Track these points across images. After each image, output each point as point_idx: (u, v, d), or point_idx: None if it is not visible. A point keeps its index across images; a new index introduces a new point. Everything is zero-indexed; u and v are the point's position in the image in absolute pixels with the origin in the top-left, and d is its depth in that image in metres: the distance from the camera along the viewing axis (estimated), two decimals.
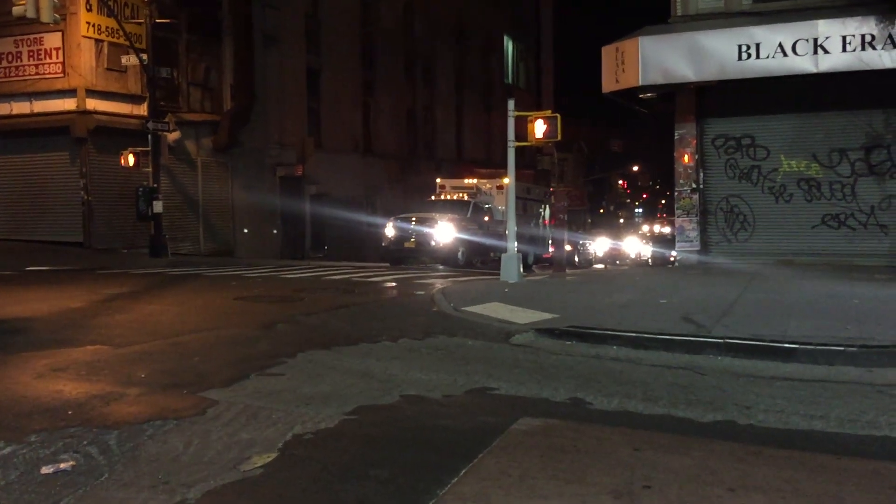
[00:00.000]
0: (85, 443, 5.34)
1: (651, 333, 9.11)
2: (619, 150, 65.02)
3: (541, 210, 31.66)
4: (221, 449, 5.27)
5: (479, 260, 25.19)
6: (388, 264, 23.46)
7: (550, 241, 30.63)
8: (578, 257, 31.47)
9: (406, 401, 6.61)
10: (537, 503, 4.42)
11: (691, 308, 10.89)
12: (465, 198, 26.75)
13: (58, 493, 4.51)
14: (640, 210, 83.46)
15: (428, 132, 43.34)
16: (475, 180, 28.51)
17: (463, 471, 4.88)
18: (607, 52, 18.32)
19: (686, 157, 18.58)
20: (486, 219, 25.94)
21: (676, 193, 18.74)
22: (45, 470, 4.84)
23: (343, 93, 35.36)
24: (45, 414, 6.03)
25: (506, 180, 26.78)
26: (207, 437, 5.53)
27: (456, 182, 28.78)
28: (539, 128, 15.44)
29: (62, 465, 4.91)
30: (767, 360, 8.26)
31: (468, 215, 25.01)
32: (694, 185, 18.45)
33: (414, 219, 24.40)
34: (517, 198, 24.33)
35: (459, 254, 23.50)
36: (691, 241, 18.42)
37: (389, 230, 24.10)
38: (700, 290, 13.40)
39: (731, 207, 18.51)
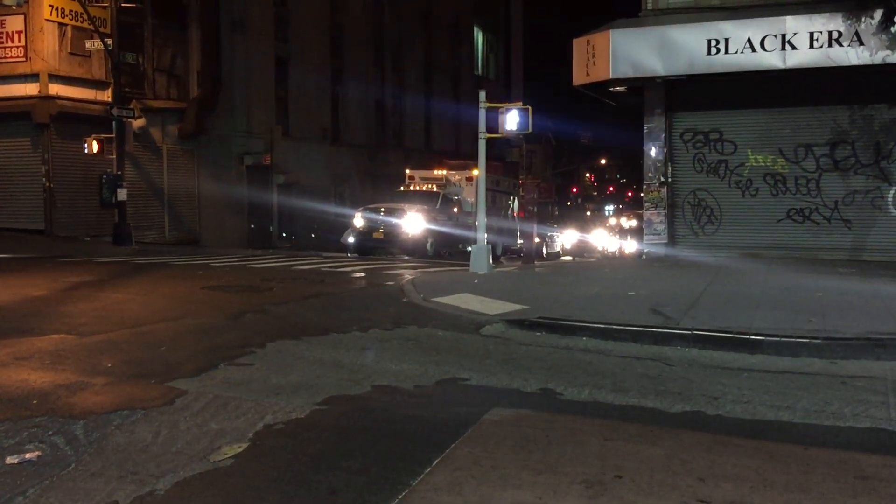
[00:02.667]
0: (51, 433, 5.25)
1: (620, 325, 9.17)
2: (588, 142, 65.38)
3: (510, 202, 31.62)
4: (191, 439, 5.22)
5: (447, 251, 25.26)
6: (356, 255, 23.38)
7: (519, 233, 30.82)
8: (546, 249, 31.57)
9: (377, 391, 6.59)
10: (510, 493, 4.43)
11: (659, 300, 10.98)
12: (435, 189, 26.65)
13: (24, 484, 4.43)
14: (611, 207, 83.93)
15: (396, 122, 43.19)
16: (444, 172, 28.45)
17: (435, 461, 4.88)
18: (578, 45, 18.37)
19: (654, 151, 18.71)
20: (455, 210, 25.89)
21: (645, 187, 18.88)
22: (11, 460, 4.76)
23: (311, 82, 35.07)
24: (8, 403, 5.91)
25: (475, 172, 26.62)
26: (176, 427, 5.46)
27: (425, 173, 28.71)
28: (510, 119, 15.44)
29: (28, 455, 4.83)
30: (734, 352, 8.36)
31: (437, 206, 24.94)
32: (662, 179, 18.60)
33: (383, 209, 24.26)
34: (487, 189, 24.43)
35: (428, 245, 23.43)
36: (659, 234, 18.57)
37: (358, 220, 23.92)
38: (668, 282, 13.53)
39: (698, 201, 18.69)
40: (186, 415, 5.74)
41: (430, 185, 27.11)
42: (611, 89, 18.88)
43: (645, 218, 19.05)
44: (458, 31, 49.52)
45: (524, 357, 8.09)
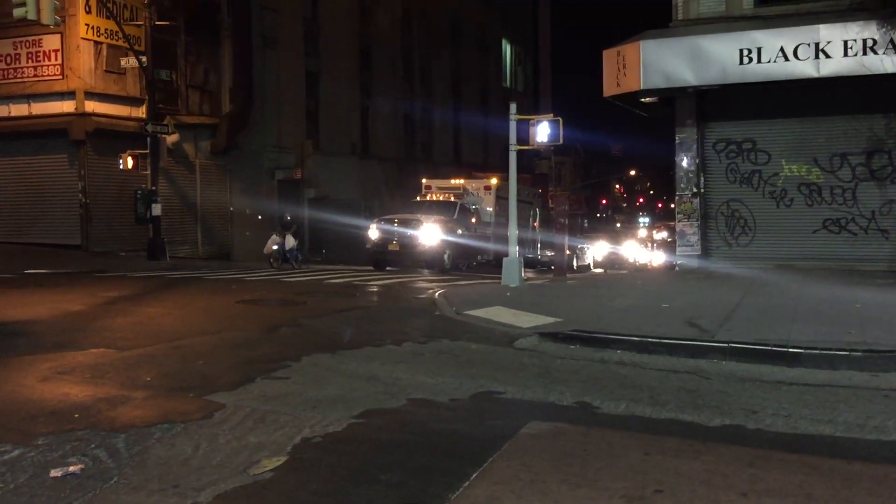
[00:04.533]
0: (93, 446, 5.32)
1: (655, 337, 9.10)
2: (619, 154, 65.04)
3: (530, 213, 30.60)
4: (230, 452, 5.25)
5: (465, 263, 24.63)
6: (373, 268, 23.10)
7: (539, 244, 30.16)
8: (577, 262, 31.34)
9: (413, 405, 6.60)
10: None
11: (694, 312, 10.88)
12: (452, 199, 25.82)
13: (67, 497, 4.48)
14: (647, 219, 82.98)
15: (425, 135, 43.36)
16: (462, 181, 27.68)
17: (473, 475, 4.87)
18: (608, 56, 18.33)
19: (686, 162, 18.58)
20: (473, 220, 25.12)
21: (677, 198, 18.73)
22: (55, 473, 4.82)
23: (341, 96, 35.36)
24: (51, 417, 6.00)
25: (493, 181, 26.48)
26: (216, 440, 5.51)
27: (442, 182, 27.90)
28: (541, 131, 15.45)
29: (71, 468, 4.89)
30: (772, 365, 8.26)
31: (454, 217, 24.12)
32: (695, 190, 18.45)
33: (397, 220, 23.49)
34: (504, 199, 23.88)
35: (445, 257, 22.65)
36: (692, 245, 18.40)
37: (373, 232, 23.17)
38: (702, 294, 13.40)
39: (731, 212, 18.51)
40: (225, 428, 5.79)
41: (447, 195, 26.33)
42: (641, 100, 18.80)
43: (677, 229, 18.89)
44: (486, 44, 49.67)
45: (559, 370, 8.05)
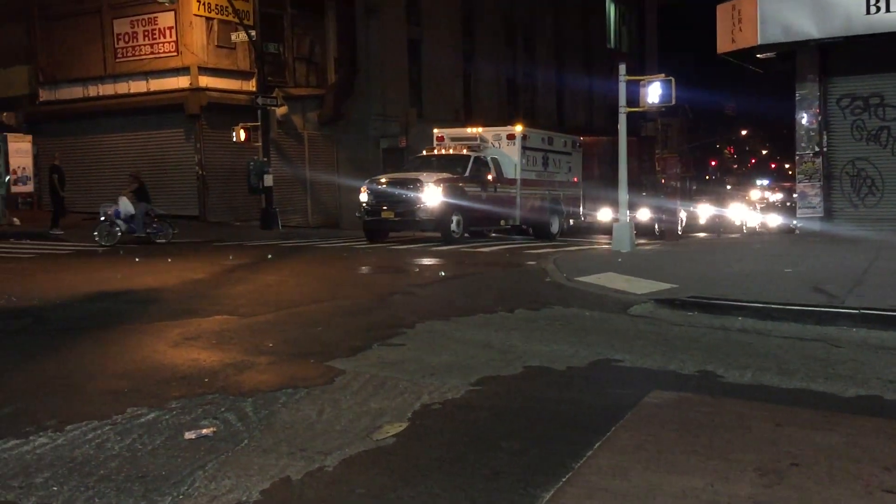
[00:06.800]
0: (223, 409, 5.51)
1: (779, 304, 8.72)
2: (732, 113, 62.30)
3: (569, 166, 25.53)
4: (353, 418, 5.34)
5: (484, 229, 21.84)
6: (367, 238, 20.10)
7: (581, 205, 25.97)
8: (681, 225, 29.96)
9: (529, 372, 6.55)
10: (678, 479, 4.28)
11: (820, 277, 10.38)
12: (465, 152, 21.33)
13: (202, 458, 4.64)
14: (765, 180, 79.08)
15: (528, 100, 42.84)
16: (480, 129, 23.14)
17: (597, 444, 4.78)
18: (723, 11, 17.55)
19: (807, 119, 17.67)
20: (490, 178, 20.97)
21: (797, 158, 17.86)
22: (189, 435, 5.00)
23: (443, 63, 35.27)
24: (182, 381, 6.25)
25: (518, 128, 22.60)
26: (338, 405, 5.61)
27: (457, 132, 23.54)
28: (652, 92, 14.98)
29: (204, 431, 5.06)
30: None
31: (466, 174, 20.25)
32: (816, 149, 17.54)
33: (391, 181, 19.98)
34: (534, 150, 21.86)
35: (454, 224, 19.28)
36: (813, 207, 17.54)
37: (363, 196, 19.69)
38: (826, 258, 12.78)
39: (857, 171, 17.52)
40: (347, 394, 5.89)
41: (458, 148, 21.86)
42: (758, 56, 17.95)
43: (798, 190, 18.05)
44: (589, 5, 48.49)
45: (678, 338, 7.83)
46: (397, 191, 19.18)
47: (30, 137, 26.26)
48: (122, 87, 28.52)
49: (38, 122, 29.35)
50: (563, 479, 4.28)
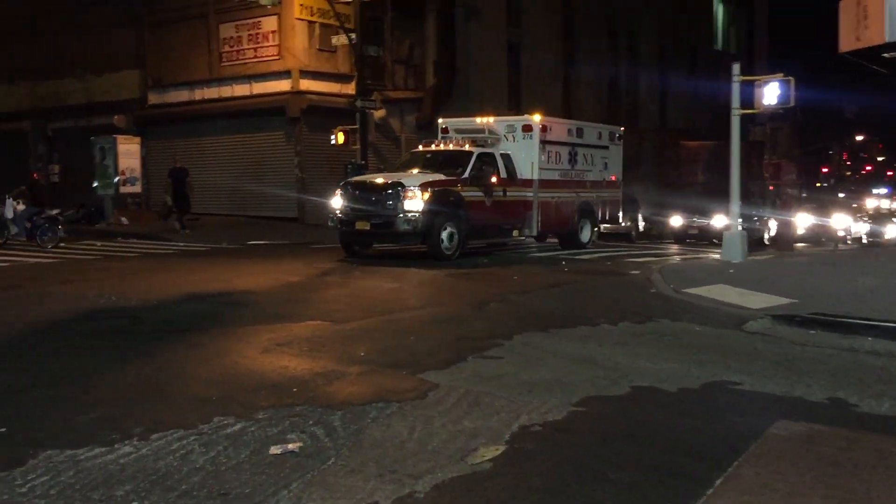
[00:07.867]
0: (311, 423, 5.25)
1: None
2: (853, 117, 58.92)
3: (605, 161, 20.92)
4: (446, 438, 4.99)
5: (486, 242, 18.72)
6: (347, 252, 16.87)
7: (620, 208, 21.75)
8: (766, 235, 27.92)
9: (637, 393, 6.05)
10: None
11: None
12: (467, 147, 17.35)
13: (287, 476, 4.39)
14: (886, 188, 73.89)
15: (630, 102, 41.77)
16: (490, 119, 18.91)
17: (717, 481, 4.28)
18: (846, 8, 16.39)
19: None
20: (494, 180, 16.89)
21: None
22: (274, 450, 4.76)
23: (543, 65, 34.70)
24: (272, 390, 6.04)
25: (536, 117, 18.59)
26: (430, 423, 5.27)
27: (464, 123, 19.46)
28: (769, 93, 14.10)
29: (290, 446, 4.81)
30: None
31: (465, 174, 16.29)
32: None
33: (367, 185, 16.42)
34: (558, 144, 18.65)
35: (444, 236, 15.49)
36: None
37: (337, 201, 16.34)
38: None
39: None
40: (440, 410, 5.54)
41: (460, 142, 17.88)
42: (884, 55, 16.70)
43: None
44: (696, 5, 47.00)
45: (801, 359, 7.16)
46: (373, 197, 15.79)
47: (138, 139, 27.13)
48: (226, 91, 29.12)
49: (147, 124, 30.31)
50: None
